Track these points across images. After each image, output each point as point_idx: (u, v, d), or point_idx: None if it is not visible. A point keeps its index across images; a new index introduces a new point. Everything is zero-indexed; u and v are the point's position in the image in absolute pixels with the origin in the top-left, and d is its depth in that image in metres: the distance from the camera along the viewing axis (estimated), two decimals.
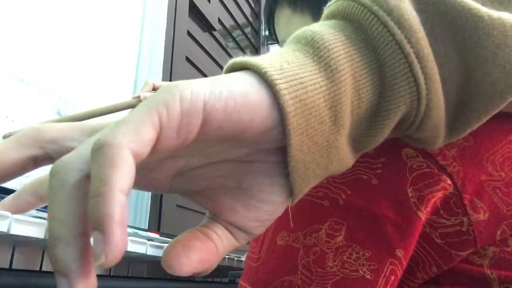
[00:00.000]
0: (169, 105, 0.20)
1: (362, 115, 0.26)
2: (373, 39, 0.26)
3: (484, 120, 0.29)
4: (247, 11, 1.85)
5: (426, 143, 0.30)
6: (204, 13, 1.45)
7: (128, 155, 0.18)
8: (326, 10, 0.29)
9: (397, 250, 0.32)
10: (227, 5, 1.64)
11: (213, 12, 1.52)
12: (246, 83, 0.23)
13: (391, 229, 0.32)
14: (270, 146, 0.24)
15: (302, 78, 0.24)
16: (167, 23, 1.26)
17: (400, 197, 0.33)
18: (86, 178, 0.19)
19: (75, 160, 0.20)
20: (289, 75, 0.23)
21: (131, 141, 0.18)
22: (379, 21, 0.26)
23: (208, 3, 1.49)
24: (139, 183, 0.25)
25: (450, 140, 0.30)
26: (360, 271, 0.32)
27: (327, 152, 0.25)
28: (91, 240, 0.18)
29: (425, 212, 0.33)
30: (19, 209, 0.26)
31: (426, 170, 0.33)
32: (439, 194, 0.33)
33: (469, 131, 0.29)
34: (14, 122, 0.76)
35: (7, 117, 0.75)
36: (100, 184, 0.18)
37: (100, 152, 0.18)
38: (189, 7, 1.38)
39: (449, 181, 0.33)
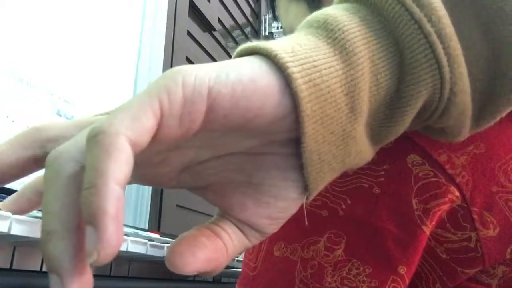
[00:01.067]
0: (171, 91, 0.18)
1: (381, 102, 0.24)
2: (391, 20, 0.24)
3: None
4: (247, 11, 1.84)
5: (450, 134, 0.27)
6: (204, 13, 1.45)
7: (125, 143, 0.17)
8: None
9: (399, 266, 0.30)
10: (227, 5, 1.64)
11: (213, 12, 1.52)
12: (255, 67, 0.21)
13: (393, 244, 0.30)
14: (282, 137, 0.22)
15: (316, 61, 0.21)
16: (167, 23, 1.26)
17: (403, 210, 0.30)
18: (82, 168, 0.18)
19: (70, 149, 0.19)
20: (301, 58, 0.21)
21: (129, 129, 0.17)
22: (396, 0, 0.23)
23: (208, 3, 1.49)
24: (146, 178, 0.24)
25: (476, 130, 0.27)
26: None
27: (343, 142, 0.23)
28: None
29: (430, 226, 0.30)
30: (21, 209, 0.24)
31: (433, 179, 0.30)
32: (445, 207, 0.30)
33: (498, 118, 0.27)
34: (14, 122, 0.76)
35: (7, 117, 0.75)
36: (94, 174, 0.16)
37: (95, 140, 0.17)
38: (189, 7, 1.37)
39: (457, 193, 0.30)
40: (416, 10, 0.23)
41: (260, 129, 0.21)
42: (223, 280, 1.18)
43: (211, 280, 1.14)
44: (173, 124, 0.19)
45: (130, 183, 0.24)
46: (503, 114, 0.27)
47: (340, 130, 0.22)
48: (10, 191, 0.68)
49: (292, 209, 0.24)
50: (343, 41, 0.22)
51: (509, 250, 0.31)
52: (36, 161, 0.23)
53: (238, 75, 0.20)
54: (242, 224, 0.24)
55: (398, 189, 0.31)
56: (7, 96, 0.76)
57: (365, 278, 0.30)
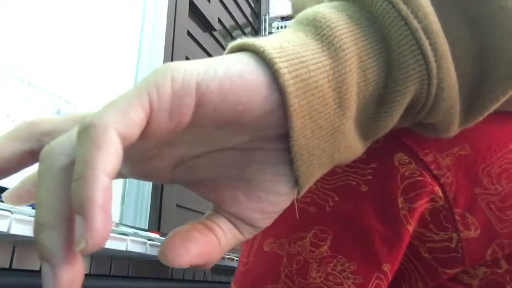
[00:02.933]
0: (160, 86, 0.19)
1: (369, 98, 0.24)
2: (378, 17, 0.24)
3: (502, 100, 0.27)
4: (247, 11, 1.85)
5: (439, 130, 0.27)
6: (204, 13, 1.45)
7: (113, 136, 0.17)
8: None
9: (384, 264, 0.31)
10: (227, 5, 1.64)
11: (213, 12, 1.52)
12: (243, 62, 0.21)
13: (379, 242, 0.31)
14: (272, 132, 0.23)
15: (303, 57, 0.22)
16: (167, 23, 1.26)
17: (389, 208, 0.31)
18: (74, 162, 0.18)
19: (63, 143, 0.19)
20: (289, 54, 0.22)
21: (118, 122, 0.17)
22: None
23: (208, 3, 1.49)
24: (141, 172, 0.24)
25: (465, 126, 0.27)
26: (345, 284, 0.30)
27: (332, 137, 0.23)
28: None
29: (413, 224, 0.31)
30: (20, 201, 0.24)
31: (419, 178, 0.31)
32: (428, 206, 0.31)
33: (486, 114, 0.27)
34: (15, 122, 0.76)
35: (7, 117, 0.75)
36: (83, 166, 0.17)
37: (85, 133, 0.17)
38: (189, 7, 1.37)
39: (440, 193, 0.31)
40: (403, 7, 0.23)
41: (249, 124, 0.22)
42: (223, 279, 1.18)
43: (211, 279, 1.14)
44: (162, 118, 0.19)
45: (125, 177, 0.25)
46: (491, 110, 0.27)
47: (329, 124, 0.23)
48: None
49: (284, 203, 0.25)
50: (331, 37, 0.23)
51: (489, 251, 0.31)
52: (33, 155, 0.23)
53: (226, 70, 0.20)
54: (235, 219, 0.24)
55: (385, 187, 0.31)
56: (7, 95, 0.76)
57: (350, 275, 0.31)
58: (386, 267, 0.31)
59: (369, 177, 0.31)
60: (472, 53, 0.25)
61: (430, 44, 0.24)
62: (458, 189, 0.31)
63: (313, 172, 0.24)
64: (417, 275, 0.32)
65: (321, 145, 0.23)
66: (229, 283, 1.16)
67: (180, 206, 1.18)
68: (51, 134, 0.23)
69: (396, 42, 0.24)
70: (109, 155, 0.17)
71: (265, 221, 0.25)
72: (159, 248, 0.73)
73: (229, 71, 0.20)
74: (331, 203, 0.32)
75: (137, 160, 0.23)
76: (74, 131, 0.19)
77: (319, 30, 0.23)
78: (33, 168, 0.25)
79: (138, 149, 0.19)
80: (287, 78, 0.21)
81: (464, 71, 0.25)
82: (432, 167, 0.31)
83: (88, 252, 0.16)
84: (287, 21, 1.92)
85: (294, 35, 0.23)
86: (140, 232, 0.83)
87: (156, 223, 1.08)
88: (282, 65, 0.21)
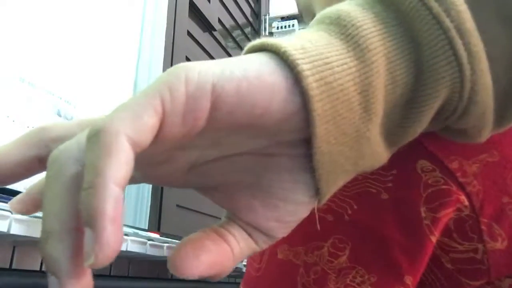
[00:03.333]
0: (173, 88, 0.18)
1: (397, 102, 0.23)
2: (407, 15, 0.22)
3: None
4: (247, 11, 1.84)
5: (470, 135, 0.26)
6: (204, 13, 1.45)
7: (125, 142, 0.16)
8: None
9: (406, 276, 0.29)
10: (227, 5, 1.64)
11: (213, 12, 1.52)
12: (262, 63, 0.20)
13: (400, 253, 0.29)
14: (291, 137, 0.21)
15: (327, 58, 0.20)
16: (167, 23, 1.26)
17: (411, 218, 0.29)
18: (83, 168, 0.17)
19: (71, 148, 0.18)
20: (312, 55, 0.20)
21: (130, 128, 0.16)
22: None
23: (208, 3, 1.49)
24: (153, 177, 0.23)
25: (498, 130, 0.26)
26: None
27: (357, 144, 0.22)
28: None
29: (436, 235, 0.29)
30: (27, 209, 0.24)
31: (444, 187, 0.29)
32: (453, 215, 0.29)
33: None
34: (15, 122, 0.76)
35: (8, 117, 0.75)
36: (92, 174, 0.16)
37: (95, 139, 0.16)
38: (189, 7, 1.37)
39: (466, 202, 0.29)
40: (434, 4, 0.22)
41: (267, 128, 0.20)
42: (223, 279, 1.18)
43: (227, 281, 1.14)
44: (176, 122, 0.18)
45: (137, 182, 0.24)
46: None
47: (353, 130, 0.21)
48: (14, 192, 0.68)
49: (303, 212, 0.23)
50: (357, 37, 0.21)
51: None
52: (41, 161, 0.22)
53: (244, 71, 0.19)
54: (250, 227, 0.23)
55: (407, 196, 0.29)
56: (8, 96, 0.76)
57: (369, 287, 0.29)
58: (409, 280, 0.29)
59: (390, 184, 0.30)
60: (507, 53, 0.24)
61: (464, 44, 0.22)
62: (485, 198, 0.29)
63: (335, 181, 0.22)
64: (438, 286, 0.31)
65: (345, 152, 0.21)
66: (229, 283, 1.16)
67: (180, 206, 1.18)
68: (61, 140, 0.21)
69: (426, 42, 0.22)
70: (120, 163, 0.16)
71: (282, 231, 0.23)
72: (159, 248, 0.73)
73: (246, 72, 0.19)
74: (350, 211, 0.30)
75: (149, 164, 0.22)
76: (82, 135, 0.19)
77: (343, 29, 0.22)
78: (40, 176, 0.24)
79: (149, 153, 0.18)
80: (311, 81, 0.20)
81: (499, 72, 0.24)
82: (458, 174, 0.29)
83: (98, 267, 0.15)
84: (287, 21, 1.92)
85: (316, 34, 0.22)
86: (140, 232, 0.83)
87: (156, 223, 1.08)
88: (305, 66, 0.20)
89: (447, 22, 0.22)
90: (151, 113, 0.17)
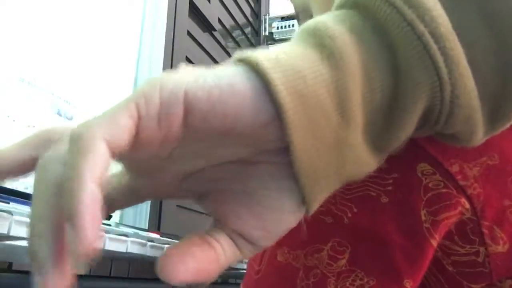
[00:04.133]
0: (147, 95, 0.19)
1: (377, 108, 0.23)
2: (383, 23, 0.23)
3: None
4: (247, 11, 1.84)
5: (462, 140, 0.26)
6: (204, 13, 1.45)
7: (100, 144, 0.17)
8: (336, 1, 0.26)
9: (405, 280, 0.29)
10: (227, 5, 1.63)
11: (213, 12, 1.52)
12: (236, 73, 0.21)
13: (400, 257, 0.29)
14: (273, 145, 0.22)
15: (299, 67, 0.21)
16: (167, 23, 1.25)
17: (411, 221, 0.29)
18: None
19: (59, 153, 0.20)
20: (284, 65, 0.21)
21: (105, 130, 0.18)
22: (387, 2, 0.23)
23: (208, 3, 1.49)
24: (152, 190, 0.24)
25: (493, 133, 0.25)
26: None
27: (338, 151, 0.22)
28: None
29: (437, 238, 0.29)
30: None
31: (444, 190, 0.29)
32: (454, 219, 0.29)
33: None
34: (15, 122, 0.76)
35: (8, 116, 0.75)
36: (70, 173, 0.17)
37: (73, 142, 0.18)
38: (189, 7, 1.37)
39: (467, 205, 0.29)
40: (408, 11, 0.22)
41: (245, 136, 0.21)
42: (222, 281, 1.18)
43: (218, 280, 1.14)
44: (151, 126, 0.19)
45: (144, 200, 0.25)
46: None
47: (332, 137, 0.22)
48: (14, 192, 0.68)
49: (289, 222, 0.23)
50: (332, 48, 0.22)
51: None
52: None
53: (216, 80, 0.20)
54: (236, 235, 0.23)
55: (407, 199, 0.29)
56: (8, 95, 0.76)
57: None
58: (408, 283, 0.29)
59: (390, 188, 0.30)
60: (492, 54, 0.24)
61: (439, 48, 0.22)
62: (486, 201, 0.29)
63: (321, 190, 0.23)
64: None
65: (325, 159, 0.22)
66: (228, 283, 1.16)
67: (180, 206, 1.18)
68: (61, 142, 0.22)
69: (402, 48, 0.22)
70: (95, 161, 0.17)
71: (266, 241, 0.23)
72: (159, 249, 0.73)
73: (219, 81, 0.20)
74: (350, 214, 0.30)
75: (144, 173, 0.23)
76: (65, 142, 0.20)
77: (319, 40, 0.22)
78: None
79: (139, 160, 0.19)
80: (281, 89, 0.20)
81: (486, 74, 0.24)
82: (458, 177, 0.29)
83: (81, 261, 0.16)
84: (287, 21, 1.92)
85: (294, 46, 0.22)
86: (140, 233, 0.83)
87: (156, 223, 1.08)
88: (275, 75, 0.20)
89: (421, 27, 0.22)
90: (125, 116, 0.18)
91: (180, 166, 0.23)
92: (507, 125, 0.25)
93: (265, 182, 0.23)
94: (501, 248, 0.29)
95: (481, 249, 0.29)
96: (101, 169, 0.17)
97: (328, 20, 0.23)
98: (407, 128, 0.24)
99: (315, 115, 0.21)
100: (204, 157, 0.23)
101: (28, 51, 0.87)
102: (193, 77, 0.20)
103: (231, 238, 0.23)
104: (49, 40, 0.93)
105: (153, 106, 0.19)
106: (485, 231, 0.29)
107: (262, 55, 0.21)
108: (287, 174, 0.22)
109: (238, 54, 0.22)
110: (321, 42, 0.22)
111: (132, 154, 0.20)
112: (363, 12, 0.23)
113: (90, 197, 0.16)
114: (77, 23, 1.01)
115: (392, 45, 0.22)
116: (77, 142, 0.18)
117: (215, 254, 0.22)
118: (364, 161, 0.24)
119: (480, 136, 0.25)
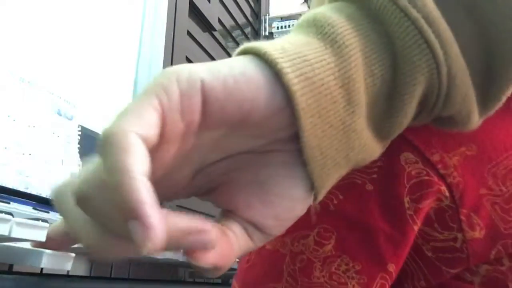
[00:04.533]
0: (167, 88, 0.19)
1: (379, 93, 0.24)
2: (378, 12, 0.24)
3: None
4: (247, 11, 1.84)
5: (460, 122, 0.26)
6: (204, 13, 1.44)
7: (137, 138, 0.17)
8: None
9: (389, 264, 0.30)
10: (227, 5, 1.63)
11: (213, 12, 1.52)
12: (246, 63, 0.21)
13: (384, 242, 0.30)
14: (285, 133, 0.23)
15: (306, 55, 0.22)
16: (167, 23, 1.25)
17: (395, 208, 0.30)
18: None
19: (66, 187, 0.21)
20: (291, 54, 0.22)
21: (136, 126, 0.18)
22: None
23: (208, 3, 1.49)
24: (163, 190, 0.24)
25: (487, 114, 0.27)
26: (349, 284, 0.30)
27: (345, 136, 0.23)
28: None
29: (418, 224, 0.30)
30: (58, 247, 0.26)
31: (426, 178, 0.30)
32: (434, 205, 0.30)
33: (504, 98, 0.26)
34: (16, 122, 0.76)
35: (8, 116, 0.74)
36: (118, 173, 0.17)
37: (108, 142, 0.17)
38: (189, 7, 1.37)
39: (447, 193, 0.30)
40: None
41: (260, 124, 0.22)
42: (218, 281, 1.18)
43: (212, 281, 1.14)
44: (175, 118, 0.19)
45: None
46: (509, 93, 0.26)
47: (339, 123, 0.22)
48: (14, 192, 0.68)
49: (299, 209, 0.24)
50: (333, 35, 0.23)
51: (493, 252, 0.31)
52: None
53: (229, 70, 0.21)
54: (248, 224, 0.23)
55: (391, 187, 0.30)
56: (8, 95, 0.75)
57: (354, 275, 0.30)
58: (391, 267, 0.30)
59: (375, 175, 0.30)
60: (475, 39, 0.25)
61: (433, 32, 0.23)
62: (465, 189, 0.30)
63: (328, 174, 0.23)
64: (420, 273, 0.32)
65: (334, 144, 0.23)
66: (228, 284, 1.16)
67: (180, 206, 1.18)
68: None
69: (398, 35, 0.23)
70: (139, 156, 0.17)
71: (278, 229, 0.24)
72: (160, 250, 0.73)
73: (232, 70, 0.21)
74: (335, 201, 0.31)
75: (160, 179, 0.23)
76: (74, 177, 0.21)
77: (320, 29, 0.23)
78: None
79: (161, 161, 0.20)
80: (291, 77, 0.21)
81: (471, 57, 0.25)
82: (439, 166, 0.30)
83: (153, 251, 0.16)
84: (287, 21, 1.92)
85: (295, 37, 0.23)
86: None
87: None
88: (285, 64, 0.21)
89: (414, 12, 0.23)
90: (151, 111, 0.19)
91: (194, 163, 0.23)
92: (500, 104, 0.26)
93: (277, 170, 0.23)
94: (477, 234, 0.30)
95: (459, 235, 0.30)
96: (145, 163, 0.17)
97: (326, 10, 0.24)
98: (408, 113, 0.24)
99: (323, 101, 0.22)
100: (219, 150, 0.23)
101: (28, 51, 0.87)
102: (206, 68, 0.21)
103: (243, 227, 0.23)
104: (50, 40, 0.93)
105: (174, 98, 0.19)
106: (463, 218, 0.30)
107: (267, 45, 0.22)
108: (298, 161, 0.23)
109: (242, 46, 0.23)
110: (322, 31, 0.23)
111: (158, 154, 0.20)
112: (357, 2, 0.24)
113: (146, 190, 0.17)
114: (77, 23, 1.01)
115: (388, 31, 0.24)
116: (112, 141, 0.17)
117: (230, 242, 0.22)
118: (369, 146, 0.25)
119: (476, 117, 0.26)
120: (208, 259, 0.20)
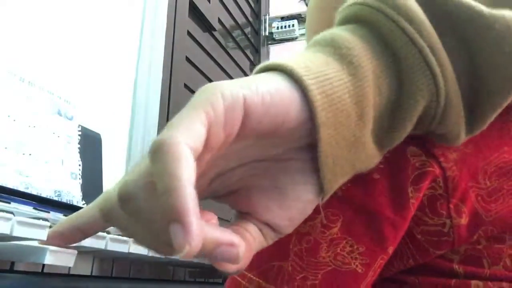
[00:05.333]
0: (213, 103, 0.21)
1: (383, 111, 0.27)
2: (387, 37, 0.27)
3: (499, 110, 0.29)
4: (247, 11, 1.84)
5: (449, 139, 0.30)
6: (204, 13, 1.45)
7: (187, 149, 0.19)
8: (338, 16, 0.30)
9: (389, 247, 0.33)
10: (227, 5, 1.63)
11: (213, 12, 1.52)
12: (277, 80, 0.24)
13: (388, 228, 0.32)
14: (301, 143, 0.25)
15: (327, 74, 0.25)
16: (167, 23, 1.25)
17: (400, 197, 0.32)
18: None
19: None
20: (314, 72, 0.24)
21: (187, 137, 0.20)
22: (390, 19, 0.27)
23: (208, 3, 1.49)
24: None
25: (472, 134, 0.30)
26: (353, 264, 0.32)
27: (354, 147, 0.26)
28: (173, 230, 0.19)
29: (413, 210, 0.33)
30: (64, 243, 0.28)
31: (429, 169, 0.33)
32: (427, 191, 0.33)
33: (488, 122, 0.29)
34: (16, 121, 0.76)
35: (8, 116, 0.74)
36: (169, 179, 0.18)
37: (160, 151, 0.19)
38: (189, 7, 1.37)
39: (441, 183, 0.33)
40: (408, 27, 0.26)
41: (285, 135, 0.24)
42: (218, 281, 1.18)
43: (212, 280, 1.14)
44: (218, 131, 0.21)
45: None
46: (492, 118, 0.29)
47: (351, 136, 0.25)
48: (14, 192, 0.68)
49: (309, 210, 0.27)
50: (350, 56, 0.26)
51: (475, 236, 0.34)
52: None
53: (266, 87, 0.23)
54: (263, 225, 0.26)
55: (397, 177, 0.33)
56: (8, 95, 0.75)
57: (357, 256, 0.32)
58: (391, 249, 0.33)
59: (382, 166, 0.32)
60: (466, 68, 0.28)
61: (436, 60, 0.26)
62: (459, 183, 0.33)
63: (336, 180, 0.26)
64: (409, 254, 0.35)
65: (344, 154, 0.25)
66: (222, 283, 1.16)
67: None
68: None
69: (405, 59, 0.26)
70: (188, 166, 0.19)
71: (289, 228, 0.27)
72: None
73: (268, 88, 0.23)
74: (343, 188, 0.33)
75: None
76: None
77: (337, 50, 0.26)
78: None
79: (198, 166, 0.21)
80: (315, 94, 0.24)
81: (462, 85, 0.28)
82: (441, 159, 0.33)
83: (190, 255, 0.18)
84: (287, 21, 1.92)
85: (313, 56, 0.26)
86: None
87: None
88: (310, 82, 0.24)
89: (421, 41, 0.26)
90: (199, 125, 0.21)
91: (216, 168, 0.25)
92: (484, 127, 0.30)
93: (294, 176, 0.26)
94: (463, 221, 0.33)
95: (447, 221, 0.33)
96: (193, 173, 0.19)
97: (341, 32, 0.27)
98: (407, 128, 0.28)
99: (339, 116, 0.25)
100: (240, 157, 0.26)
101: (28, 51, 0.87)
102: (246, 86, 0.23)
103: (258, 228, 0.26)
104: (50, 40, 0.93)
105: (220, 113, 0.21)
106: (452, 207, 0.33)
107: (292, 63, 0.25)
108: (312, 168, 0.26)
109: (265, 62, 0.26)
110: (339, 52, 0.26)
111: (197, 161, 0.21)
112: (368, 26, 0.27)
113: (192, 199, 0.18)
114: (77, 23, 1.01)
115: (395, 55, 0.27)
116: (165, 149, 0.19)
117: (249, 244, 0.24)
118: (372, 156, 0.28)
119: (463, 136, 0.30)
120: (233, 268, 0.23)
